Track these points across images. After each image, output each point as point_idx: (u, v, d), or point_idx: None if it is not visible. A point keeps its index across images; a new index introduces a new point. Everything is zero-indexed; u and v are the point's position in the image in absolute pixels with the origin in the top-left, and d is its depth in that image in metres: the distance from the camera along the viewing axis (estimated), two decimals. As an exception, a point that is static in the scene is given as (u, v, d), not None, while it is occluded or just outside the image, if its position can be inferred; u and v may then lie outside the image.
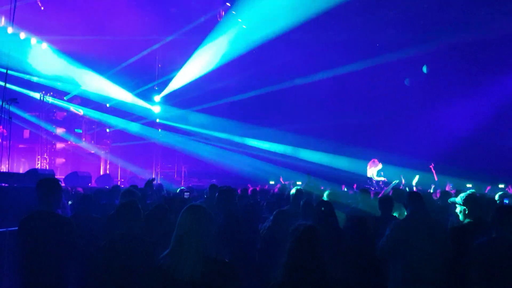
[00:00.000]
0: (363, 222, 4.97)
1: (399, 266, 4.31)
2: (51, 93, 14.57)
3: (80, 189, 7.95)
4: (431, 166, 13.19)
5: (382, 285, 4.57)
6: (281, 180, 13.72)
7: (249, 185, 10.63)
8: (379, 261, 4.60)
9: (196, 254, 2.97)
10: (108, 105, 17.35)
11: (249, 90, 18.75)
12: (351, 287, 3.68)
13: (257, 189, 9.53)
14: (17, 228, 4.09)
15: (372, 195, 7.71)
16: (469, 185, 12.38)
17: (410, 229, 4.36)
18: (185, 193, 7.51)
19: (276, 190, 9.98)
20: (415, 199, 4.60)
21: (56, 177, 9.89)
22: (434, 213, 5.82)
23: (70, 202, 7.69)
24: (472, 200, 4.66)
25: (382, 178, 14.69)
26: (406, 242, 4.29)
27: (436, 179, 12.84)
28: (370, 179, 14.77)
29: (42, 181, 4.25)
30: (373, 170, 14.89)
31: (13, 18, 9.46)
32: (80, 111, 15.57)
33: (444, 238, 4.36)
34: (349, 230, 4.95)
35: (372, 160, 15.04)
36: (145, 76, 18.48)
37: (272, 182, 15.83)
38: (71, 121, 15.34)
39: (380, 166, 14.93)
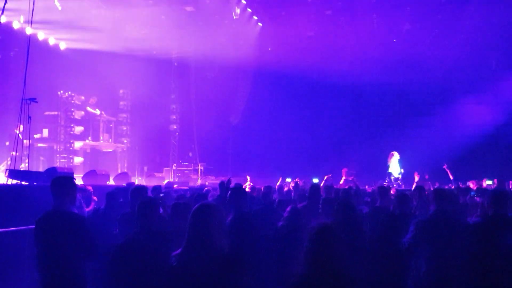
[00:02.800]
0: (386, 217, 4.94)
1: (422, 263, 4.25)
2: (70, 92, 14.72)
3: (89, 187, 7.99)
4: (444, 167, 12.93)
5: (402, 281, 4.51)
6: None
7: None
8: (400, 257, 4.55)
9: (208, 251, 2.98)
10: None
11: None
12: (368, 284, 3.64)
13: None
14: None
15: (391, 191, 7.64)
16: (489, 182, 12.17)
17: (434, 227, 4.28)
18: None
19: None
20: (440, 197, 4.51)
21: (74, 175, 10.01)
22: (457, 211, 5.75)
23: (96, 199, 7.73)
24: (494, 195, 4.55)
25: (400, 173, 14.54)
26: (429, 240, 4.22)
27: (451, 177, 12.61)
28: (390, 174, 14.59)
29: (56, 179, 4.23)
30: (393, 163, 14.70)
31: (32, 18, 9.59)
32: (97, 110, 15.70)
33: (467, 236, 4.28)
34: (371, 226, 4.92)
35: (391, 154, 14.91)
36: (162, 74, 18.57)
37: (288, 180, 15.74)
38: (89, 120, 15.49)
39: (396, 157, 14.79)
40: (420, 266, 4.28)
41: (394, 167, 14.67)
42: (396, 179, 14.34)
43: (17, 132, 10.29)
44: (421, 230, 4.32)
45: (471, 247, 4.22)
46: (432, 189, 8.80)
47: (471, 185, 10.39)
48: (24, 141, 9.97)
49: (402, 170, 14.59)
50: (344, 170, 13.61)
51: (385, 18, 16.73)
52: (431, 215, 4.55)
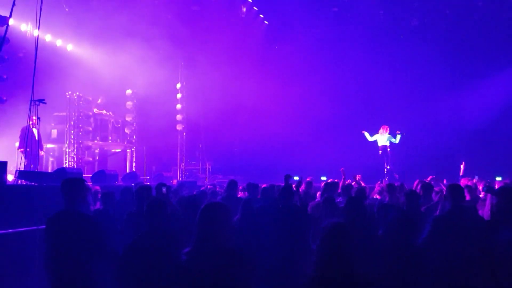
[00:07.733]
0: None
1: (438, 261, 4.18)
2: (78, 93, 14.79)
3: (97, 187, 8.03)
4: (461, 165, 12.77)
5: (412, 278, 4.46)
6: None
7: None
8: (414, 255, 4.49)
9: (217, 248, 3.02)
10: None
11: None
12: (381, 283, 3.62)
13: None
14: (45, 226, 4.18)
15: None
16: (498, 178, 12.07)
17: (451, 224, 4.18)
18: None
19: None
20: (456, 193, 4.40)
21: (83, 175, 10.06)
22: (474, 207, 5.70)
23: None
24: (505, 191, 4.47)
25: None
26: (447, 237, 4.12)
27: (461, 173, 12.47)
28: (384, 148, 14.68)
29: (67, 180, 4.30)
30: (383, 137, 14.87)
31: (39, 20, 9.63)
32: (104, 111, 15.78)
33: (482, 233, 4.19)
34: (380, 223, 4.87)
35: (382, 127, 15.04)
36: (168, 74, 18.58)
37: (296, 178, 15.67)
38: (97, 121, 15.56)
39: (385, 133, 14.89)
40: (436, 263, 4.21)
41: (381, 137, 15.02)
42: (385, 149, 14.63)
43: (30, 123, 10.21)
44: (439, 228, 4.22)
45: (483, 244, 4.14)
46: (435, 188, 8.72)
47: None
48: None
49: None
50: (342, 170, 13.52)
51: (392, 14, 16.67)
52: (448, 212, 4.44)
